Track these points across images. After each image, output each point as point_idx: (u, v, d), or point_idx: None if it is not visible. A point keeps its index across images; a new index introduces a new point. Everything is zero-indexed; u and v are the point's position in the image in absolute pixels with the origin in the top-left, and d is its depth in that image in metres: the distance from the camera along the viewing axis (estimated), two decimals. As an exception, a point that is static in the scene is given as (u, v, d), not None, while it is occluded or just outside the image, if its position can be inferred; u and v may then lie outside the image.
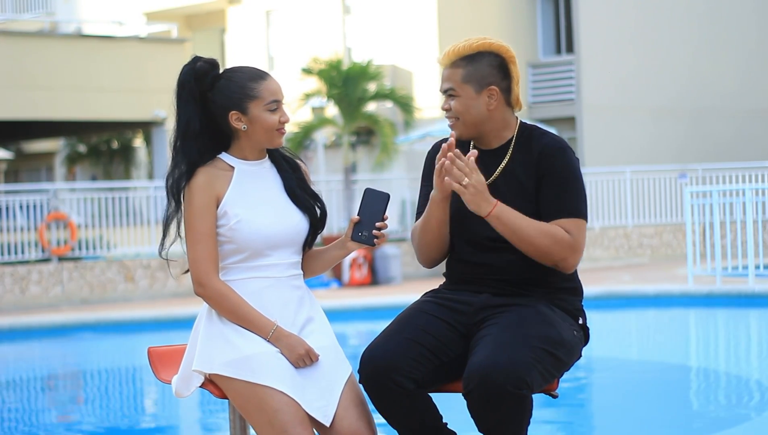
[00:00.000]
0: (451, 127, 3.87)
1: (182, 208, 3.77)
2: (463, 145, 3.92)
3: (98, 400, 8.92)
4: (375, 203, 3.81)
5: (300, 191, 3.84)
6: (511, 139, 3.84)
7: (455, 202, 3.86)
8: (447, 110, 3.85)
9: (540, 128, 3.88)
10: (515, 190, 3.78)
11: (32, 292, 16.27)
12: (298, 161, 3.94)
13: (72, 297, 16.43)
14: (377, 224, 3.79)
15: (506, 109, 3.84)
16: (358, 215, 3.81)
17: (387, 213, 3.82)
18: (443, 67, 3.85)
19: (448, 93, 3.83)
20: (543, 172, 3.75)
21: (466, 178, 3.65)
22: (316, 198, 3.88)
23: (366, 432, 3.67)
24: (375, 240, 3.80)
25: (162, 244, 3.85)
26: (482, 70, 3.79)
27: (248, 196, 3.76)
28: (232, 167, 3.79)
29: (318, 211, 3.86)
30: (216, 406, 7.69)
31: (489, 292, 3.79)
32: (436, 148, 3.98)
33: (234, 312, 3.69)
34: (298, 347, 3.67)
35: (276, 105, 3.77)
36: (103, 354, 12.06)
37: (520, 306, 3.73)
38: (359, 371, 3.70)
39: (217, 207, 3.73)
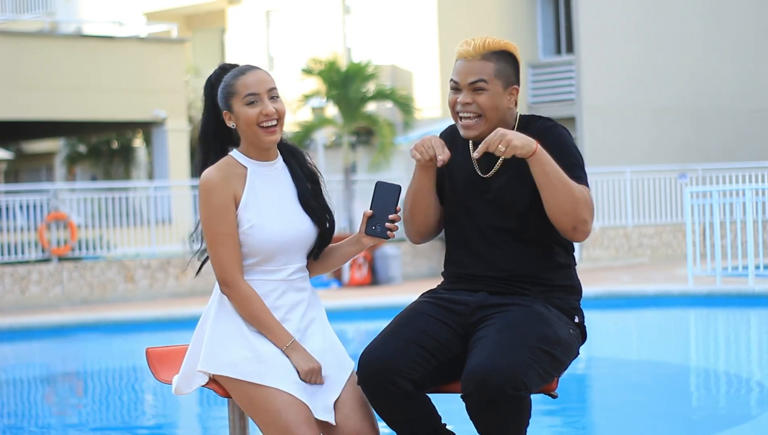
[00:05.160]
0: (468, 126, 3.75)
1: (198, 209, 3.77)
2: (465, 142, 3.88)
3: (98, 401, 8.91)
4: (386, 196, 3.78)
5: (314, 202, 3.82)
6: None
7: (456, 190, 3.85)
8: (467, 104, 3.74)
9: (535, 115, 3.85)
10: (514, 181, 3.76)
11: (32, 292, 16.27)
12: (318, 174, 3.90)
13: (72, 297, 16.43)
14: (390, 217, 3.77)
15: (514, 108, 3.84)
16: (370, 209, 3.79)
17: (399, 205, 3.81)
18: (469, 58, 3.74)
19: (476, 85, 3.72)
20: (544, 147, 3.71)
21: (499, 139, 3.60)
22: (328, 211, 3.86)
23: (370, 432, 3.69)
24: (389, 232, 3.79)
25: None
26: (508, 68, 3.76)
27: (260, 199, 3.74)
28: (245, 167, 3.77)
29: (327, 225, 3.84)
30: (216, 406, 7.69)
31: (485, 291, 3.78)
32: (446, 133, 3.94)
33: (256, 317, 3.69)
34: (310, 363, 3.68)
35: (253, 98, 3.72)
36: (103, 354, 12.06)
37: (516, 306, 3.72)
38: (358, 373, 3.69)
39: (236, 207, 3.71)
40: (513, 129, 3.78)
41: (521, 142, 3.58)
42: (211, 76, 3.85)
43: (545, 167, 3.60)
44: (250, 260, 3.74)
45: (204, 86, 3.86)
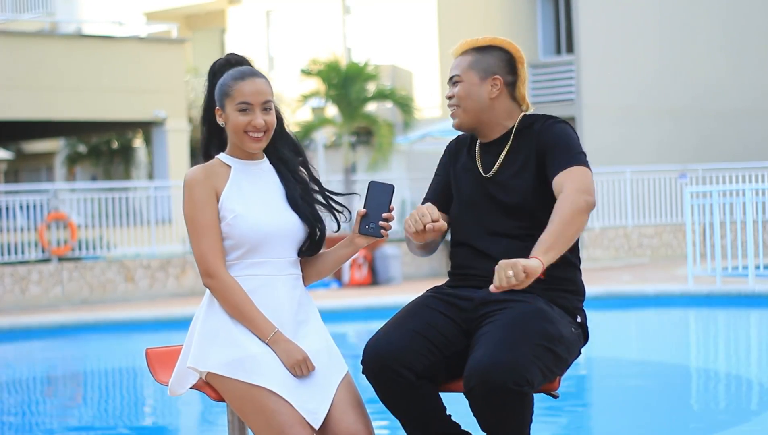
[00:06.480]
0: (452, 115, 3.96)
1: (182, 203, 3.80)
2: (471, 146, 4.00)
3: (98, 401, 8.92)
4: (380, 195, 3.81)
5: (303, 203, 3.82)
6: (512, 129, 3.90)
7: (462, 191, 3.91)
8: (450, 98, 3.95)
9: (539, 115, 3.94)
10: (515, 174, 3.84)
11: (32, 292, 16.27)
12: (311, 182, 3.90)
13: (72, 297, 16.42)
14: (384, 215, 3.79)
15: (511, 102, 3.92)
16: (364, 208, 3.80)
17: (393, 204, 3.83)
18: (455, 56, 3.97)
19: (453, 80, 3.94)
20: (543, 145, 3.81)
21: (510, 273, 3.48)
22: (318, 218, 3.86)
23: (364, 434, 3.67)
24: (382, 231, 3.80)
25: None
26: (489, 60, 3.90)
27: (244, 192, 3.77)
28: (229, 166, 3.81)
29: (318, 232, 3.83)
30: (215, 406, 7.69)
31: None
32: (451, 144, 4.09)
33: (238, 308, 3.69)
34: (296, 354, 3.66)
35: (246, 106, 3.75)
36: (103, 354, 12.06)
37: (520, 302, 3.74)
38: (362, 362, 3.72)
39: (217, 202, 3.74)
40: (513, 127, 3.90)
41: (528, 277, 3.51)
42: (215, 63, 3.91)
43: (560, 250, 3.61)
44: (236, 253, 3.74)
45: (208, 71, 3.93)
